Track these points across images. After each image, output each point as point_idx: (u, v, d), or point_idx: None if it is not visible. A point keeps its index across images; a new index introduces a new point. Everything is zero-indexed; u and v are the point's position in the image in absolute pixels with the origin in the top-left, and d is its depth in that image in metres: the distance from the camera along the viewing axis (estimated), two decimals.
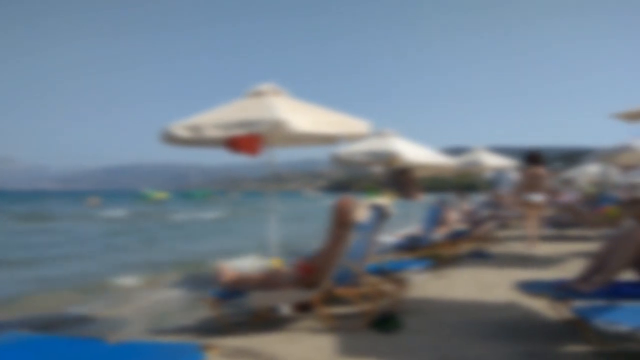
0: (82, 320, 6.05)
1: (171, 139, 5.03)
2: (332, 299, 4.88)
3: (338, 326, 4.59)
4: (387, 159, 7.97)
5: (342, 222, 4.66)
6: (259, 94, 5.46)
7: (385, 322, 4.52)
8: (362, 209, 4.62)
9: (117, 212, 35.32)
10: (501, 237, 11.74)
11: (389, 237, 7.98)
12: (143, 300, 7.21)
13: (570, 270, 6.51)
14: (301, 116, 4.97)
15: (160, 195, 76.37)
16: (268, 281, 4.90)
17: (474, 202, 15.75)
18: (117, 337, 3.73)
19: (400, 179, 8.95)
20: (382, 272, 5.50)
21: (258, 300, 4.74)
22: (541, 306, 4.88)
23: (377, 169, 9.87)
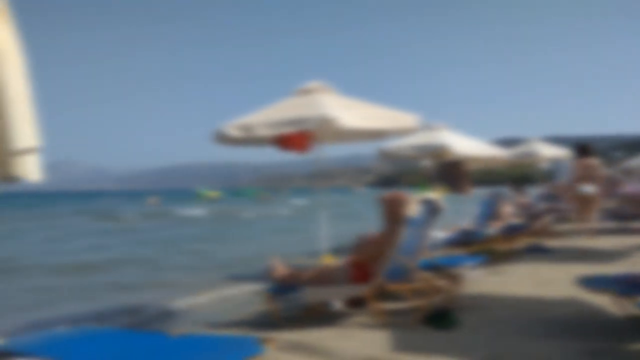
0: (145, 314, 6.36)
1: (223, 139, 5.18)
2: (384, 295, 4.88)
3: (391, 322, 4.58)
4: (436, 152, 7.85)
5: (393, 216, 4.64)
6: (307, 92, 5.52)
7: (440, 318, 4.47)
8: (413, 204, 4.58)
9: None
10: (560, 230, 11.27)
11: (440, 232, 7.86)
12: (202, 294, 7.48)
13: (635, 264, 6.17)
14: (350, 112, 4.99)
15: (214, 194, 78.59)
16: (320, 277, 4.96)
17: (530, 194, 15.19)
18: (178, 330, 3.88)
19: (451, 173, 8.79)
20: (434, 267, 5.43)
21: (311, 295, 4.81)
22: (604, 302, 4.66)
23: (426, 163, 9.73)
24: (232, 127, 5.03)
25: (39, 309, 6.89)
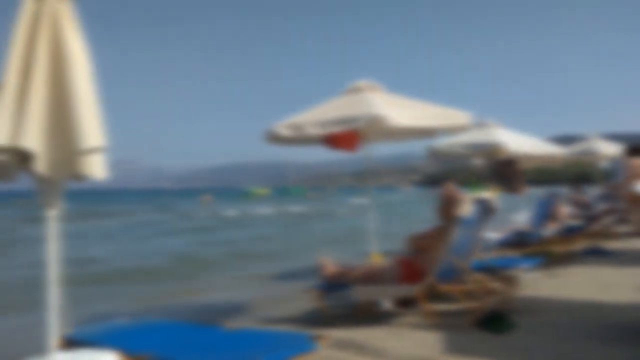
0: (200, 308, 6.57)
1: (274, 138, 5.26)
2: (435, 295, 4.80)
3: (442, 323, 4.50)
4: (489, 150, 7.63)
5: (446, 215, 4.56)
6: (356, 91, 5.51)
7: (494, 321, 4.35)
8: (466, 204, 4.48)
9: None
10: (621, 232, 10.68)
11: (493, 233, 7.64)
12: (253, 289, 7.65)
13: None
14: (399, 110, 4.94)
15: (263, 192, 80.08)
16: (369, 275, 4.94)
17: (588, 194, 14.49)
18: (232, 324, 3.99)
19: (504, 172, 8.52)
20: (488, 269, 5.29)
21: (360, 294, 4.80)
22: None
23: (478, 162, 9.48)
24: (283, 127, 5.10)
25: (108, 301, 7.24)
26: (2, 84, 2.40)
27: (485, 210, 4.70)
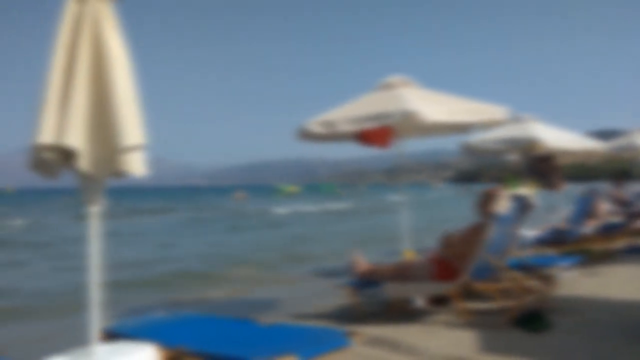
0: (235, 303, 6.68)
1: (307, 135, 5.27)
2: (469, 294, 4.72)
3: (477, 322, 4.43)
4: (526, 145, 7.43)
5: (483, 211, 4.47)
6: (388, 86, 5.46)
7: (531, 320, 4.25)
8: (503, 200, 4.38)
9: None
10: None
11: (530, 230, 7.45)
12: (285, 285, 7.72)
13: None
14: (433, 106, 4.87)
15: (292, 189, 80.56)
16: (401, 273, 4.90)
17: (628, 191, 13.95)
18: (266, 319, 4.03)
19: (541, 168, 8.28)
20: (525, 267, 5.17)
21: (393, 291, 4.77)
22: None
23: (513, 157, 9.25)
24: (315, 124, 5.10)
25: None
26: (47, 83, 2.48)
27: (523, 206, 4.59)
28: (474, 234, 4.52)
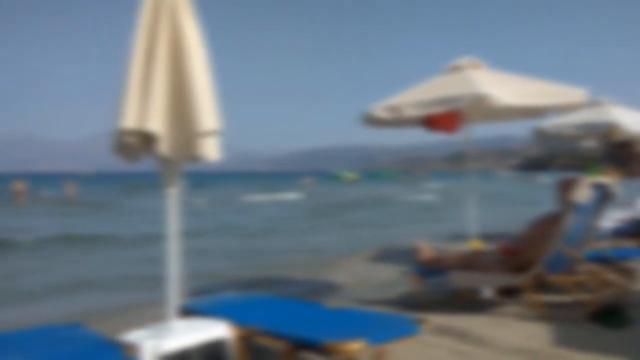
0: (298, 286, 6.80)
1: (371, 121, 5.21)
2: (542, 286, 4.53)
3: (550, 315, 4.24)
4: (604, 131, 6.99)
5: (562, 199, 4.24)
6: (457, 69, 5.28)
7: (610, 314, 4.01)
8: (584, 188, 4.13)
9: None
10: None
11: (608, 221, 7.00)
12: (348, 271, 7.77)
13: None
14: (505, 89, 4.66)
15: (351, 176, 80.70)
16: (468, 262, 4.78)
17: None
18: (331, 304, 4.06)
19: (620, 154, 7.75)
20: (603, 260, 4.87)
21: (459, 280, 4.66)
22: None
23: (589, 144, 8.71)
24: (380, 109, 5.03)
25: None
26: (128, 70, 2.60)
27: (604, 196, 4.31)
28: (550, 223, 4.30)
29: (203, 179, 70.47)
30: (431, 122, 4.94)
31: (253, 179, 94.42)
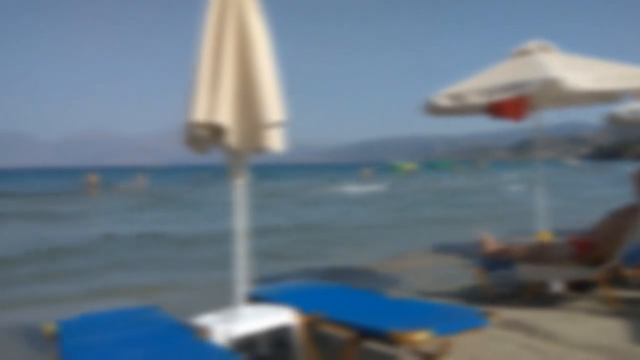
0: (355, 274, 6.83)
1: (433, 110, 5.11)
2: (617, 280, 4.29)
3: (626, 311, 4.01)
4: None
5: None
6: (525, 53, 5.06)
7: None
8: None
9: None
10: None
11: None
12: (411, 263, 7.70)
13: None
14: (577, 72, 4.40)
15: (409, 166, 79.56)
16: (536, 255, 4.60)
17: None
18: (393, 294, 4.04)
19: None
20: None
21: (528, 273, 4.51)
22: None
23: None
24: (442, 97, 4.91)
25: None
26: (198, 66, 2.71)
27: None
28: (628, 216, 4.06)
29: (262, 171, 71.72)
30: (497, 109, 4.76)
31: (312, 170, 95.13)
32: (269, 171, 76.02)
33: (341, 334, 2.89)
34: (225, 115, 2.64)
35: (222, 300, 3.32)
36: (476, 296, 4.90)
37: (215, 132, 2.76)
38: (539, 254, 4.58)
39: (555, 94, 4.82)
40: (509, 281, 5.07)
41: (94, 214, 18.49)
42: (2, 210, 19.97)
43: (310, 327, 3.07)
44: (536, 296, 4.70)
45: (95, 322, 3.10)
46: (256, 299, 3.42)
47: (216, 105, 2.63)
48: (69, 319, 3.22)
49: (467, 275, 5.48)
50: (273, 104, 2.64)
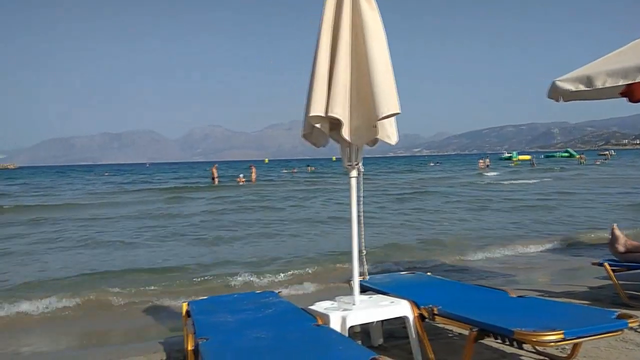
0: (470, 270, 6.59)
1: (559, 94, 4.72)
2: None
3: None
4: None
5: None
6: None
7: None
8: None
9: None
10: None
11: None
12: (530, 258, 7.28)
13: None
14: None
15: (524, 158, 75.42)
16: None
17: None
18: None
19: None
20: None
21: None
22: None
23: None
24: (569, 81, 4.51)
25: None
26: (316, 61, 2.77)
27: None
28: None
29: (369, 164, 71.36)
30: (634, 92, 4.29)
31: (415, 162, 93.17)
32: (375, 163, 75.30)
33: (457, 329, 2.81)
34: (340, 108, 2.67)
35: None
36: (603, 297, 4.50)
37: (331, 125, 2.82)
38: None
39: None
40: None
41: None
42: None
43: (424, 321, 3.00)
44: None
45: (221, 303, 3.34)
46: (366, 289, 3.43)
47: (333, 99, 2.68)
48: (199, 299, 3.53)
49: (594, 273, 5.02)
50: (388, 96, 2.61)
